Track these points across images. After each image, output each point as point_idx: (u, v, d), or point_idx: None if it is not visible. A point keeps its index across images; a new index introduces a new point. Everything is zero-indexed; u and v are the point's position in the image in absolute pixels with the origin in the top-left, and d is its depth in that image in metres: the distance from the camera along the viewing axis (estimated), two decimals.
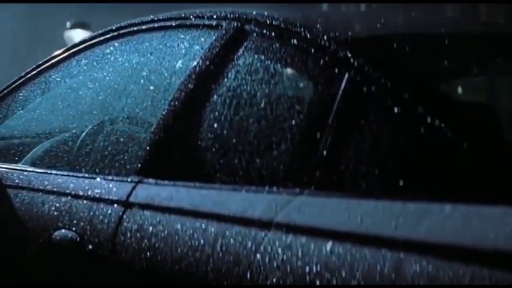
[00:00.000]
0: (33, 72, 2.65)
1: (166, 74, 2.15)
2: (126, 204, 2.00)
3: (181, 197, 1.89)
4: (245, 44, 2.00)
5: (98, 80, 2.41)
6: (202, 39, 2.14)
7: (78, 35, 13.54)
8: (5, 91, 2.69)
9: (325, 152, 1.67)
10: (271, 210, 1.65)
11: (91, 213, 2.08)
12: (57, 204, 2.20)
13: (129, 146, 2.13)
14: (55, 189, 2.25)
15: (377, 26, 1.95)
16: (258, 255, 1.61)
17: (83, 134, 2.47)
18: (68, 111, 2.48)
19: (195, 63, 2.08)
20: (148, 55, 2.27)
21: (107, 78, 2.37)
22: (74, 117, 2.47)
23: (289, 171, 1.74)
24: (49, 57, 2.63)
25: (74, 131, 2.54)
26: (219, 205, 1.78)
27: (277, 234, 1.60)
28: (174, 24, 2.26)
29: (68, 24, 13.51)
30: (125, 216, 1.98)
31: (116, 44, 2.43)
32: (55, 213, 2.19)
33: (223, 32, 2.08)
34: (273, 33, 1.95)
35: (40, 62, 2.65)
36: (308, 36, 1.86)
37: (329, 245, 1.51)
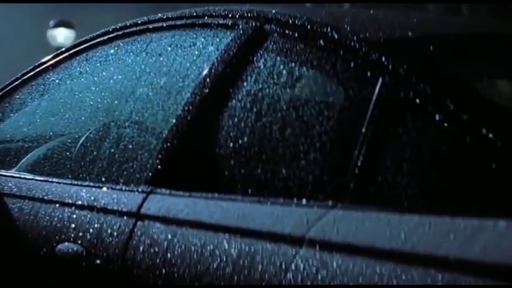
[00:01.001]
0: (31, 73, 2.53)
1: (177, 77, 2.03)
2: (138, 216, 1.88)
3: (200, 209, 1.77)
4: (265, 45, 1.89)
5: (100, 82, 2.29)
6: (217, 39, 2.02)
7: (61, 34, 13.44)
8: (1, 93, 2.56)
9: (359, 162, 1.56)
10: (302, 225, 1.54)
11: (98, 225, 1.95)
12: (60, 215, 2.07)
13: (139, 153, 2.00)
14: (57, 199, 2.13)
15: (408, 26, 1.84)
16: (289, 274, 1.50)
17: (82, 139, 2.34)
18: (68, 115, 2.35)
19: (209, 65, 1.96)
20: (157, 56, 2.14)
21: (111, 80, 2.25)
22: (74, 120, 2.34)
23: (320, 182, 1.62)
24: (48, 57, 2.51)
25: (72, 135, 2.41)
26: (243, 219, 1.67)
27: (310, 252, 1.49)
28: (184, 24, 2.14)
29: (51, 23, 13.35)
30: (136, 229, 1.86)
31: (121, 44, 2.31)
32: (57, 224, 2.07)
33: (240, 32, 1.96)
34: (297, 34, 1.83)
35: (38, 63, 2.52)
36: (336, 37, 1.74)
37: (369, 264, 1.40)
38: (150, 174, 1.93)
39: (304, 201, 1.59)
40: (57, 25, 12.66)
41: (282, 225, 1.57)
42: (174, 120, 1.94)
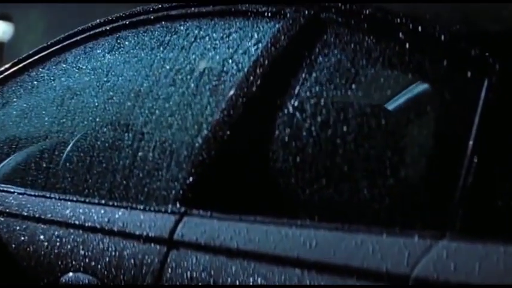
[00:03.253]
0: (15, 68, 2.21)
1: (208, 74, 1.74)
2: (170, 242, 1.58)
3: (252, 236, 1.48)
4: (323, 37, 1.61)
5: (104, 79, 1.98)
6: (257, 30, 1.73)
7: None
8: None
9: (469, 182, 1.30)
10: (402, 261, 1.26)
11: (116, 252, 1.65)
12: (64, 239, 1.77)
13: (166, 164, 1.70)
14: (59, 219, 1.82)
15: (498, 18, 1.58)
16: None
17: (71, 145, 2.03)
18: (59, 115, 2.03)
19: (250, 61, 1.68)
20: (180, 49, 1.84)
21: (119, 76, 1.94)
22: (65, 121, 2.02)
23: (417, 206, 1.36)
24: (35, 50, 2.19)
25: (60, 138, 2.09)
26: (311, 249, 1.38)
27: None
28: (212, 11, 1.85)
29: None
30: (168, 260, 1.56)
31: (129, 35, 2.00)
32: (61, 250, 1.76)
33: (289, 21, 1.68)
34: (365, 25, 1.56)
35: (24, 56, 2.20)
36: (420, 29, 1.48)
37: None
38: (182, 191, 1.63)
39: (397, 230, 1.32)
40: None
41: (373, 261, 1.29)
42: (210, 126, 1.65)
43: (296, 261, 1.39)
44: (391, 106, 1.82)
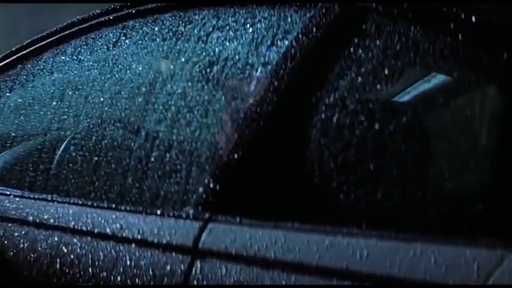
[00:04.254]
0: (6, 61, 2.05)
1: (231, 67, 1.61)
2: (194, 252, 1.45)
3: (291, 245, 1.35)
4: (363, 27, 1.49)
5: (109, 72, 1.83)
6: (285, 19, 1.61)
7: None
8: None
9: None
10: (470, 273, 1.15)
11: (131, 262, 1.51)
12: (70, 247, 1.62)
13: (183, 165, 1.57)
14: (62, 225, 1.67)
15: None
16: None
17: (73, 143, 1.89)
18: (64, 111, 1.88)
19: (278, 54, 1.55)
20: (194, 40, 1.71)
21: (126, 69, 1.79)
22: (72, 118, 1.87)
23: (480, 213, 1.24)
24: (28, 41, 2.04)
25: (62, 135, 1.94)
26: (363, 261, 1.26)
27: None
28: None
29: None
30: (194, 271, 1.43)
31: (137, 25, 1.86)
32: (67, 259, 1.61)
33: (322, 9, 1.55)
34: (410, 15, 1.44)
35: (17, 48, 2.05)
36: (474, 19, 1.36)
37: None
38: (205, 194, 1.49)
39: (462, 239, 1.20)
40: None
41: (440, 273, 1.17)
42: (237, 123, 1.52)
43: (346, 272, 1.26)
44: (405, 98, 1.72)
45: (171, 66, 1.67)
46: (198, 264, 1.43)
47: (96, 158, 1.72)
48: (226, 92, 1.84)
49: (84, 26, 1.94)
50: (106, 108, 1.76)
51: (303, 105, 1.49)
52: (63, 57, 1.94)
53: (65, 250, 1.63)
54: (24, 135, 1.92)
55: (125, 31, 1.86)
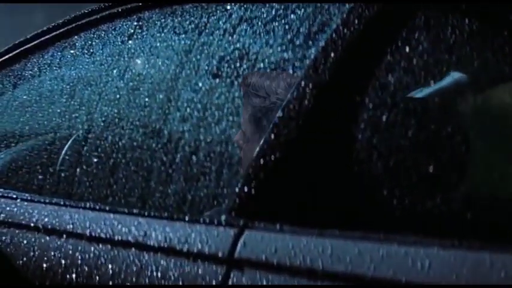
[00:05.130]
0: (10, 55, 1.93)
1: (264, 60, 1.50)
2: (230, 261, 1.34)
3: (341, 254, 1.24)
4: (409, 24, 1.39)
5: (124, 67, 1.72)
6: (321, 13, 1.50)
7: None
8: None
9: None
10: None
11: (157, 273, 1.40)
12: (86, 255, 1.51)
13: (214, 167, 1.46)
14: (78, 231, 1.56)
15: None
16: None
17: (78, 142, 1.78)
18: (75, 108, 1.76)
19: (317, 48, 1.45)
20: (219, 33, 1.60)
21: (145, 64, 1.68)
22: (84, 116, 1.76)
23: None
24: (34, 34, 1.92)
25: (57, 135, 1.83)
26: (428, 271, 1.16)
27: None
28: None
29: None
30: (230, 282, 1.32)
31: (154, 17, 1.75)
32: (84, 268, 1.50)
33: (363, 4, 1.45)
34: (464, 6, 1.35)
35: (20, 41, 1.93)
36: None
37: None
38: (240, 199, 1.39)
39: None
40: None
41: None
42: (273, 122, 1.41)
43: (406, 286, 1.16)
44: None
45: (196, 60, 1.56)
46: (234, 274, 1.33)
47: (113, 160, 1.61)
48: (245, 89, 1.74)
49: (94, 17, 1.83)
50: (123, 106, 1.64)
51: (347, 103, 1.39)
52: (72, 51, 1.82)
53: (82, 259, 1.52)
54: (31, 134, 1.81)
55: (141, 23, 1.75)
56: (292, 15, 1.52)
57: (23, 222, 1.63)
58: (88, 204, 1.59)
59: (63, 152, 1.83)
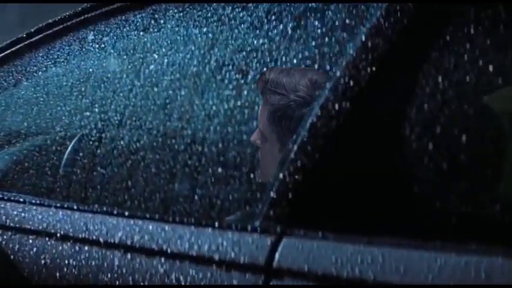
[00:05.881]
0: (13, 49, 1.83)
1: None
2: (268, 271, 1.25)
3: (394, 264, 1.16)
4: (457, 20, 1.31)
5: (140, 63, 1.62)
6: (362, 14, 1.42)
7: None
8: None
9: None
10: None
11: (186, 282, 1.31)
12: (106, 264, 1.41)
13: (245, 169, 1.37)
14: (94, 238, 1.46)
15: None
16: None
17: (74, 141, 1.69)
18: (87, 106, 1.66)
19: (356, 47, 1.36)
20: (246, 28, 1.51)
21: (162, 60, 1.58)
22: (97, 115, 1.65)
23: None
24: (38, 27, 1.82)
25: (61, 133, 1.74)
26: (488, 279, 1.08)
27: None
28: None
29: None
30: None
31: (171, 10, 1.65)
32: (103, 277, 1.40)
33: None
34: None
35: (23, 35, 1.82)
36: None
37: None
38: (277, 204, 1.30)
39: None
40: None
41: None
42: (310, 121, 1.33)
43: None
44: None
45: (224, 55, 1.47)
46: (274, 286, 1.24)
47: (131, 162, 1.51)
48: (263, 86, 1.65)
49: (104, 10, 1.73)
50: (140, 103, 1.55)
51: (391, 101, 1.31)
52: (80, 45, 1.73)
53: (99, 267, 1.42)
54: (37, 133, 1.71)
55: (156, 16, 1.65)
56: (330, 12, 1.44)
57: (33, 228, 1.53)
58: (106, 209, 1.49)
59: (84, 153, 1.72)
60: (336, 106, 1.31)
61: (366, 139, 1.30)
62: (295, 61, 1.49)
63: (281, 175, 1.32)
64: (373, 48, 1.32)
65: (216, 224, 1.33)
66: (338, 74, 1.33)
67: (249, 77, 1.48)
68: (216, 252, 1.30)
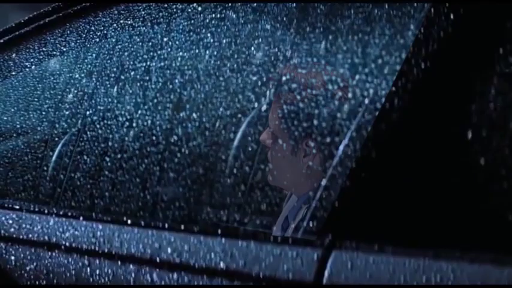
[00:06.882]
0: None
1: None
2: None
3: (459, 277, 1.05)
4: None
5: (144, 56, 1.48)
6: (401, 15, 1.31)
7: None
8: None
9: None
10: None
11: None
12: (121, 277, 1.27)
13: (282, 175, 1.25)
14: (105, 249, 1.32)
15: None
16: None
17: (63, 142, 1.55)
18: (77, 102, 1.52)
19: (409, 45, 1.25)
20: (270, 28, 1.38)
21: (168, 54, 1.45)
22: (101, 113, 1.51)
23: None
24: (28, 18, 1.66)
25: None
26: None
27: None
28: None
29: None
30: None
31: (179, 4, 1.52)
32: None
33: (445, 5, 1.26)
34: None
35: (11, 26, 1.67)
36: None
37: None
38: (324, 214, 1.18)
39: None
40: None
41: None
42: (356, 123, 1.21)
43: None
44: None
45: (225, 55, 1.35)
46: None
47: (144, 167, 1.37)
48: (276, 84, 1.55)
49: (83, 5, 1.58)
50: (149, 99, 1.40)
51: (452, 102, 1.20)
52: (76, 36, 1.58)
53: (113, 280, 1.28)
54: (37, 131, 1.55)
55: (163, 8, 1.52)
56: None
57: (33, 238, 1.38)
58: (113, 218, 1.35)
59: (86, 157, 1.57)
60: (393, 110, 1.20)
61: (424, 141, 1.19)
62: (309, 59, 1.38)
63: (325, 182, 1.21)
64: (427, 48, 1.22)
65: (259, 237, 1.20)
66: (385, 75, 1.23)
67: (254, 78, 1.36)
68: (255, 266, 1.18)
